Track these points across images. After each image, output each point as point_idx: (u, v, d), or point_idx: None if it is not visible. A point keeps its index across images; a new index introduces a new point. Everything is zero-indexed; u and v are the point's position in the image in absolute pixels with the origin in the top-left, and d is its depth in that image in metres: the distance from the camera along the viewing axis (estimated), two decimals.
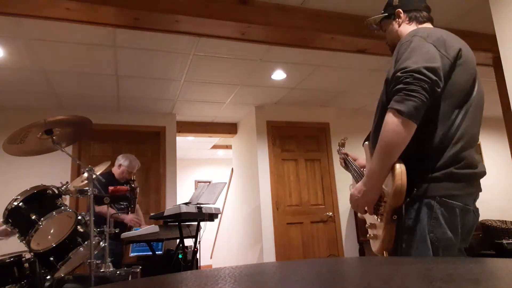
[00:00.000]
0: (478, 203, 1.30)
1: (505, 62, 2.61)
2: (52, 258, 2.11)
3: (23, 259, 2.13)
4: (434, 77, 1.20)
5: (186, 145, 7.50)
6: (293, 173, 5.17)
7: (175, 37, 3.28)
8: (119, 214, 3.42)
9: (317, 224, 5.06)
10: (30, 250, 2.12)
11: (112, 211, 3.28)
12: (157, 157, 5.18)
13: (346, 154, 1.83)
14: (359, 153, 1.76)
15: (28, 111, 4.70)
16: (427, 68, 1.19)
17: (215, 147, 7.77)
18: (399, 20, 1.54)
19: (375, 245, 1.36)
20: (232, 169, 6.44)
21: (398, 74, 1.23)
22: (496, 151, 6.53)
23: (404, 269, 0.55)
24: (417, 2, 1.55)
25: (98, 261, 2.35)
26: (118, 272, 2.44)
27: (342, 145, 2.00)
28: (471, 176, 1.26)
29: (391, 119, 1.20)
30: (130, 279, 2.47)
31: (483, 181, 1.29)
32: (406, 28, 1.51)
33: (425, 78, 1.18)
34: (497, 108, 3.61)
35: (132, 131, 5.15)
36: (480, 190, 1.31)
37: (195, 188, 8.74)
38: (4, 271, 2.01)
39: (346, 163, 1.81)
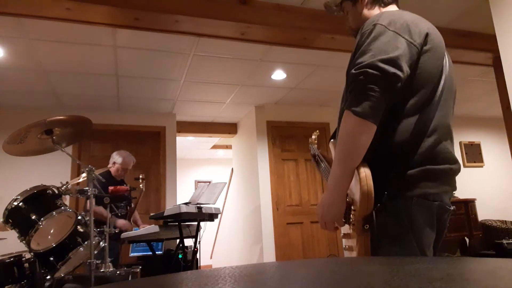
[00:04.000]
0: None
1: (505, 62, 2.61)
2: (52, 258, 2.12)
3: (23, 259, 2.13)
4: (391, 70, 1.08)
5: (186, 145, 7.50)
6: (293, 173, 5.17)
7: (175, 37, 3.28)
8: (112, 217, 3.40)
9: (317, 224, 5.05)
10: (30, 250, 2.12)
11: (115, 221, 3.28)
12: (157, 157, 5.18)
13: (315, 153, 1.63)
14: None
15: (28, 111, 4.70)
16: (383, 61, 1.08)
17: (215, 147, 7.77)
18: (363, 2, 1.40)
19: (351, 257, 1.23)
20: (232, 169, 6.44)
21: (353, 71, 1.12)
22: (496, 151, 6.53)
23: (404, 269, 0.55)
24: None
25: (98, 261, 2.35)
26: (118, 272, 2.44)
27: (313, 142, 1.75)
28: (448, 172, 1.18)
29: (347, 121, 1.12)
30: (130, 279, 2.47)
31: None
32: (369, 12, 1.39)
33: (380, 74, 1.07)
34: (497, 108, 3.61)
35: (132, 131, 5.15)
36: (455, 189, 1.23)
37: (195, 188, 8.74)
38: (4, 271, 2.02)
39: (317, 161, 1.60)
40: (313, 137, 1.78)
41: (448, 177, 1.19)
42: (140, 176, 3.43)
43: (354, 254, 1.20)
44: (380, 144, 1.14)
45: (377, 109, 1.09)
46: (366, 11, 1.40)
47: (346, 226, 1.24)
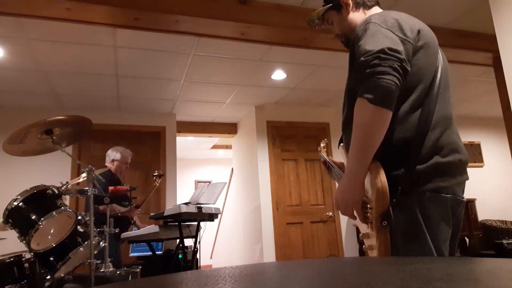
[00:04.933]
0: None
1: (505, 62, 2.61)
2: (52, 258, 2.11)
3: (23, 259, 2.13)
4: (401, 56, 1.09)
5: (186, 145, 7.50)
6: (293, 173, 5.17)
7: (175, 37, 3.28)
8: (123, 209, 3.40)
9: (317, 224, 5.06)
10: (30, 250, 2.12)
11: (118, 208, 3.29)
12: (157, 157, 5.18)
13: (326, 159, 1.67)
14: None
15: (28, 111, 4.70)
16: (390, 49, 1.09)
17: (215, 147, 7.77)
18: (348, 7, 1.44)
19: (372, 255, 1.23)
20: (232, 169, 6.44)
21: (362, 59, 1.11)
22: (496, 151, 6.53)
23: (404, 269, 0.55)
24: None
25: (98, 261, 2.34)
26: (118, 272, 2.44)
27: (322, 149, 1.84)
28: (458, 164, 1.19)
29: (362, 110, 1.10)
30: (130, 279, 2.47)
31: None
32: (356, 15, 1.43)
33: (393, 58, 1.08)
34: (497, 108, 3.61)
35: (132, 131, 5.15)
36: (467, 178, 1.23)
37: (195, 188, 8.74)
38: (4, 271, 2.01)
39: (328, 167, 1.63)
40: (322, 145, 1.85)
41: (460, 168, 1.19)
42: (158, 173, 3.46)
43: (375, 253, 1.18)
44: (387, 141, 1.13)
45: (393, 94, 1.08)
46: (352, 15, 1.44)
47: (364, 226, 1.25)
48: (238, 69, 4.11)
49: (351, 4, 1.43)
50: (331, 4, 1.48)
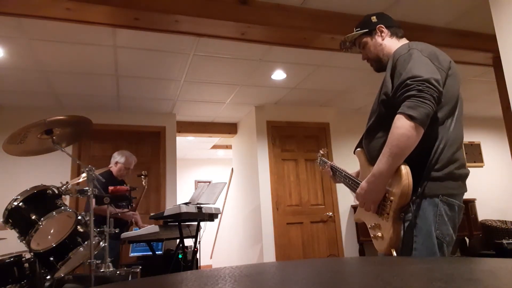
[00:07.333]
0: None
1: (505, 62, 2.61)
2: (52, 258, 2.11)
3: (23, 259, 2.13)
4: (440, 88, 1.31)
5: (186, 145, 7.50)
6: (293, 173, 5.17)
7: (175, 37, 3.28)
8: (120, 211, 3.40)
9: (317, 224, 5.06)
10: (30, 250, 2.12)
11: (113, 209, 3.28)
12: (157, 157, 5.18)
13: (331, 164, 1.87)
14: (355, 157, 1.72)
15: (28, 111, 4.70)
16: (435, 80, 1.30)
17: (215, 147, 7.77)
18: (383, 34, 1.63)
19: (381, 245, 1.41)
20: (232, 169, 6.44)
21: (409, 81, 1.31)
22: (496, 151, 6.53)
23: (404, 269, 0.55)
24: (393, 20, 1.68)
25: (98, 261, 2.34)
26: (118, 272, 2.44)
27: (323, 156, 2.07)
28: (464, 176, 1.40)
29: (402, 123, 1.28)
30: (130, 279, 2.47)
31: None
32: (390, 41, 1.62)
33: (434, 88, 1.28)
34: (497, 108, 3.61)
35: (132, 131, 5.15)
36: (466, 190, 1.43)
37: (195, 188, 8.74)
38: (4, 271, 2.01)
39: (335, 171, 1.83)
40: (322, 152, 2.11)
41: (464, 182, 1.41)
42: (143, 173, 3.43)
43: (385, 242, 1.38)
44: (414, 149, 1.31)
45: (428, 117, 1.28)
46: (387, 41, 1.63)
47: (373, 218, 1.46)
48: (238, 69, 4.11)
49: (386, 32, 1.63)
50: (367, 30, 1.65)
